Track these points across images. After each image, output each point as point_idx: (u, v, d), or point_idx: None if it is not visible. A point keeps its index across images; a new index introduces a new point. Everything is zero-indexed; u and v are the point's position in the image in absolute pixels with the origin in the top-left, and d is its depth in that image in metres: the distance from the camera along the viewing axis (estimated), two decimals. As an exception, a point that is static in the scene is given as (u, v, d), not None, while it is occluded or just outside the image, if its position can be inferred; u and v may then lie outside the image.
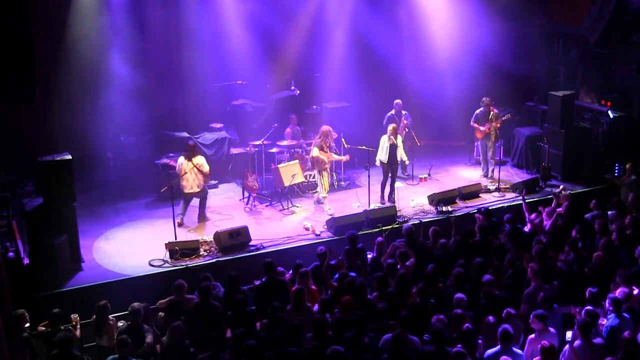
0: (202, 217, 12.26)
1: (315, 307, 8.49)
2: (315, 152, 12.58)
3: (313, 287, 9.05)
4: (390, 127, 12.71)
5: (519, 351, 7.52)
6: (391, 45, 15.28)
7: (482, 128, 13.86)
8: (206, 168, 11.99)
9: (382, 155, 12.69)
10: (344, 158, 13.06)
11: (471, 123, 14.08)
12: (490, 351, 7.41)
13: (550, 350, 7.07)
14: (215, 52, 14.49)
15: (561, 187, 12.86)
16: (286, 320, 7.94)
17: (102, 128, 13.37)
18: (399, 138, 12.88)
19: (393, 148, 12.66)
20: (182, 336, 7.92)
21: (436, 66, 15.29)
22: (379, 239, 10.15)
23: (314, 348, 7.32)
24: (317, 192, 12.98)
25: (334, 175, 13.69)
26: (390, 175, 12.84)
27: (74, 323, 8.67)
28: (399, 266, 9.39)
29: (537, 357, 7.25)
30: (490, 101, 13.90)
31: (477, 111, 13.98)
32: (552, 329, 7.76)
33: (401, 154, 12.93)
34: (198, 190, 11.98)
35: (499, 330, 7.41)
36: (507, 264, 9.42)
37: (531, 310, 8.27)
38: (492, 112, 13.84)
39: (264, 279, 9.17)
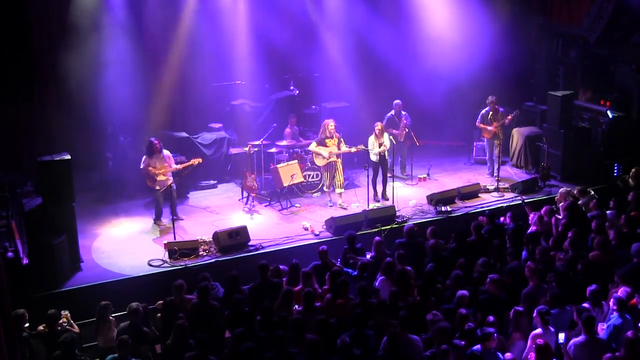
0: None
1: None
2: (311, 146, 12.61)
3: (317, 286, 9.08)
4: (376, 128, 12.68)
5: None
6: (391, 45, 15.26)
7: (489, 128, 13.80)
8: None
9: (372, 155, 12.71)
10: (353, 149, 12.70)
11: (477, 124, 14.02)
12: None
13: (546, 348, 7.06)
14: (215, 52, 14.49)
15: (563, 188, 12.83)
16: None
17: (101, 128, 13.39)
18: (385, 135, 12.81)
19: (381, 147, 12.68)
20: (186, 335, 7.90)
21: (436, 66, 15.25)
22: (377, 238, 10.17)
23: (316, 343, 7.33)
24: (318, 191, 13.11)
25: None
26: (381, 172, 12.91)
27: (65, 320, 8.64)
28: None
29: (532, 354, 7.24)
30: (496, 100, 13.87)
31: (483, 111, 13.90)
32: (551, 328, 7.74)
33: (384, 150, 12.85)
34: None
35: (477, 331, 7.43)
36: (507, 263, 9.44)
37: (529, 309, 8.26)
38: (498, 111, 13.80)
39: (257, 281, 9.17)
